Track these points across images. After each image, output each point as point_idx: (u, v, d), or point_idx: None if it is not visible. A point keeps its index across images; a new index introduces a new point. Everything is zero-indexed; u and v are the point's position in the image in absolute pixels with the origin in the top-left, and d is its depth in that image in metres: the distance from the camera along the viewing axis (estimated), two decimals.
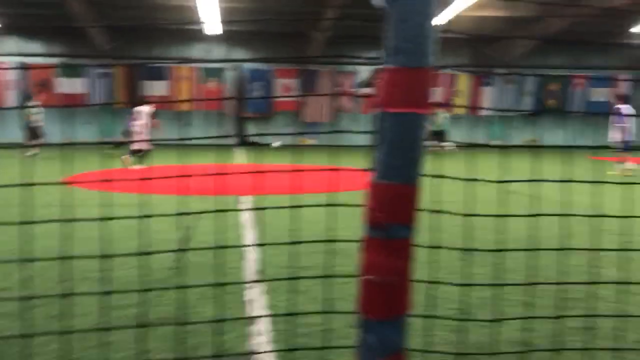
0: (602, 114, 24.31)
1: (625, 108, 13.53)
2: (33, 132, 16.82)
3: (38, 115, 16.82)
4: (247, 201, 8.18)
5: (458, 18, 19.01)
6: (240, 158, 17.33)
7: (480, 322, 3.33)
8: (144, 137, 13.62)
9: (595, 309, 3.56)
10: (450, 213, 1.76)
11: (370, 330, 1.45)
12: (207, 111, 24.49)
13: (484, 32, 22.02)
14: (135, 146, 13.59)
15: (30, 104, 17.26)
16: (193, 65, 23.64)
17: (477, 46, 24.84)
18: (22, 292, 3.85)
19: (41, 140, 16.71)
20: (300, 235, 5.63)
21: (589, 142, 25.10)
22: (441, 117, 21.63)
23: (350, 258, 4.61)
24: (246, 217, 6.86)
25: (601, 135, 26.14)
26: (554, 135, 25.30)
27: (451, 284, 2.16)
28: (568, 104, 25.26)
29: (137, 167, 13.15)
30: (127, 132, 15.54)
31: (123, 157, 13.69)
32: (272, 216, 6.63)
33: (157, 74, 23.34)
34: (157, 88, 23.42)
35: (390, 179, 1.44)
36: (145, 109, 13.99)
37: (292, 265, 4.55)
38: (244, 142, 22.45)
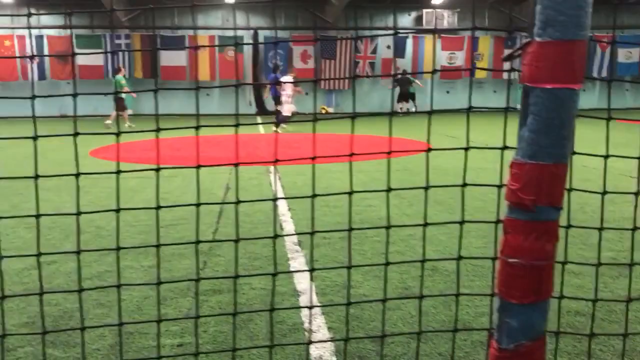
0: None
1: None
2: (122, 104, 17.67)
3: (126, 87, 17.82)
4: (274, 171, 8.13)
5: None
6: (262, 128, 17.26)
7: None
8: (290, 105, 15.09)
9: None
10: (589, 192, 1.67)
11: (513, 314, 1.39)
12: (225, 80, 24.32)
13: None
14: (284, 113, 14.98)
15: (118, 76, 18.00)
16: (211, 34, 23.42)
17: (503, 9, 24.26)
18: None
19: (127, 111, 18.10)
20: (331, 204, 5.61)
21: (614, 106, 24.59)
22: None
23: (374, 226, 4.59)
24: (278, 187, 6.83)
25: (625, 98, 25.57)
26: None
27: (588, 264, 2.09)
28: (593, 65, 24.66)
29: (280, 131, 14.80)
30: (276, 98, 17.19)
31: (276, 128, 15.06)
32: (303, 185, 6.62)
33: (175, 45, 23.17)
34: (175, 59, 23.30)
35: (539, 159, 1.36)
36: (289, 79, 15.22)
37: (331, 237, 4.52)
38: (264, 112, 22.30)
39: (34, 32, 22.73)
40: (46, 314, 3.01)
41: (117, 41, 23.20)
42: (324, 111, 24.95)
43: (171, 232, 4.69)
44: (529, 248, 1.35)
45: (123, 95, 17.89)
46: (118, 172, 1.66)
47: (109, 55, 23.07)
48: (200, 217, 5.08)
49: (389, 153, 1.62)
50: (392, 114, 1.69)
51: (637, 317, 3.00)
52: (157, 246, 1.67)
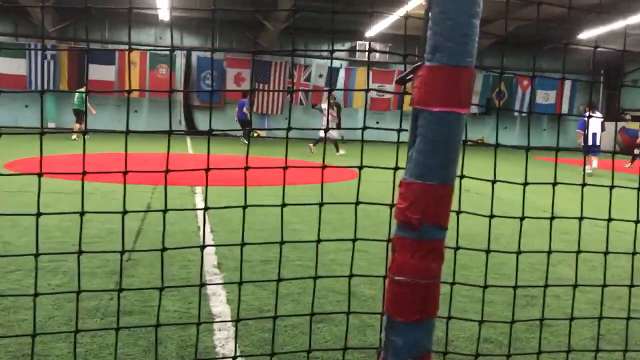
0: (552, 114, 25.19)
1: (593, 114, 13.98)
2: (82, 117, 17.69)
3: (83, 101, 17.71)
4: (201, 192, 8.03)
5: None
6: (190, 147, 17.02)
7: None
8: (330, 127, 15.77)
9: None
10: (476, 214, 1.74)
11: (398, 332, 1.41)
12: (154, 98, 23.88)
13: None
14: (326, 136, 15.94)
15: (80, 89, 17.94)
16: (143, 50, 22.99)
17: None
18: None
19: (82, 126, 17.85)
20: (255, 227, 5.59)
21: (533, 144, 25.93)
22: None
23: (298, 250, 4.62)
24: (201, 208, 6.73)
25: (542, 137, 27.07)
26: (500, 135, 25.98)
27: (477, 285, 2.15)
28: (515, 105, 25.98)
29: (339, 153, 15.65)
30: (242, 122, 18.34)
31: (310, 145, 15.83)
32: (227, 209, 6.55)
33: (105, 59, 22.58)
34: (104, 73, 22.68)
35: (426, 179, 1.40)
36: (325, 105, 16.21)
37: (252, 259, 4.49)
38: (194, 132, 22.01)
39: None
40: None
41: (43, 52, 22.35)
42: (256, 135, 24.92)
43: (85, 249, 4.51)
44: (415, 266, 1.39)
45: (84, 109, 17.85)
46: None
47: (33, 65, 22.19)
48: (118, 237, 4.93)
49: (285, 169, 1.66)
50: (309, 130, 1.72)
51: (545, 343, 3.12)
52: (35, 255, 1.60)
